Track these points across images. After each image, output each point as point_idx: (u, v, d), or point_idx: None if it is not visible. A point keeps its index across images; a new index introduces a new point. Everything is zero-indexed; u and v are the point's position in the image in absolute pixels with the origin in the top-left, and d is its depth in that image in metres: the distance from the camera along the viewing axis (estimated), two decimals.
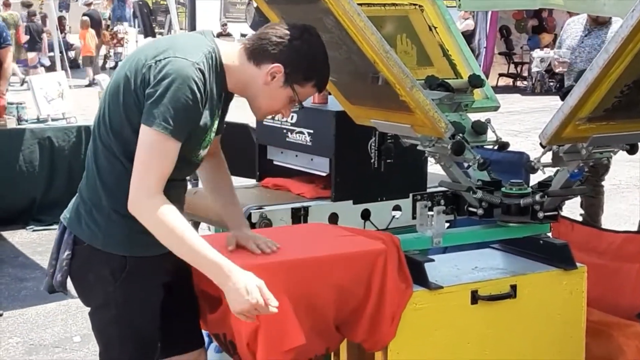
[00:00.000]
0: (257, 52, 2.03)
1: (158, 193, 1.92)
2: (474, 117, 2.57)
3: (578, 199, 2.63)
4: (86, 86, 14.39)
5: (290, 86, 2.05)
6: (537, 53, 14.95)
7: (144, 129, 1.93)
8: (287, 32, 2.02)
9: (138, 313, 2.07)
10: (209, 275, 1.93)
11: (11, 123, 5.87)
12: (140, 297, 2.06)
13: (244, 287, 1.88)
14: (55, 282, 2.08)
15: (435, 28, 2.73)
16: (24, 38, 13.72)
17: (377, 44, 2.13)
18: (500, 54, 16.21)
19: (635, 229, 4.68)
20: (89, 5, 18.60)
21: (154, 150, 1.92)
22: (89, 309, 2.12)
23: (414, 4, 2.76)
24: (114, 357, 2.11)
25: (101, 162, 2.04)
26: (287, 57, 2.02)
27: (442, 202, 2.35)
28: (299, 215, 2.81)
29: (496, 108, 2.71)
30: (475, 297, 2.27)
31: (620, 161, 3.09)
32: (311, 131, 2.89)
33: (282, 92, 2.06)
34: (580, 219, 4.45)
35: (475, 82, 2.57)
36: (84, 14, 17.22)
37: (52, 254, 2.12)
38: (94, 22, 17.24)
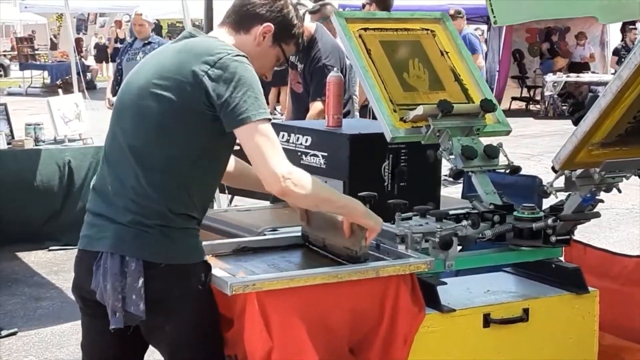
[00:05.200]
0: (244, 20, 2.19)
1: (292, 167, 2.04)
2: (485, 141, 2.60)
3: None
4: None
5: (279, 45, 2.21)
6: (550, 77, 14.97)
7: (245, 128, 2.00)
8: None
9: (216, 312, 2.14)
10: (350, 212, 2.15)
11: (29, 143, 5.94)
12: (212, 298, 2.13)
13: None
14: (138, 311, 2.01)
15: (447, 53, 2.77)
16: None
17: None
18: (513, 77, 16.25)
19: None
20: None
21: (267, 138, 2.02)
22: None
23: (426, 29, 2.79)
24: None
25: (160, 187, 2.04)
26: (274, 17, 2.19)
27: None
28: None
29: (507, 132, 2.73)
30: (487, 321, 2.27)
31: (633, 185, 3.10)
32: (325, 154, 2.91)
33: (270, 52, 2.22)
34: (592, 243, 4.43)
35: (487, 106, 2.60)
36: None
37: (116, 288, 2.00)
38: None
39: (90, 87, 16.32)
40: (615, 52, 14.97)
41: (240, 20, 2.19)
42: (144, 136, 2.07)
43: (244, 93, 2.01)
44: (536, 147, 10.87)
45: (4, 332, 4.24)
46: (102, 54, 20.23)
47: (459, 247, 2.39)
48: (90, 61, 20.76)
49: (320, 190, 2.11)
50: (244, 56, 2.08)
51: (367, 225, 2.14)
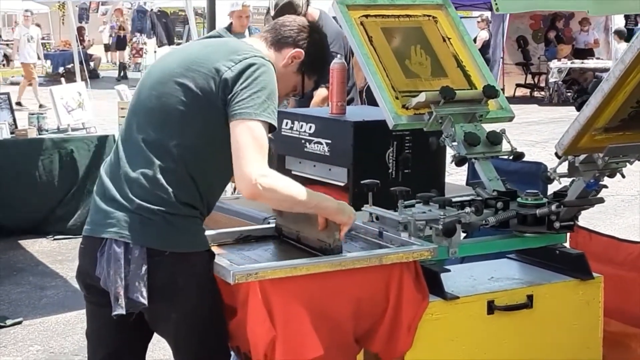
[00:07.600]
0: (278, 39, 2.22)
1: (268, 170, 2.03)
2: (488, 127, 2.58)
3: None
4: None
5: (302, 74, 2.24)
6: (554, 63, 14.92)
7: (239, 122, 2.02)
8: (307, 24, 2.25)
9: (220, 301, 2.15)
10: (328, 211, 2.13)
11: (32, 133, 5.94)
12: (216, 287, 2.13)
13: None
14: (140, 298, 2.01)
15: (449, 39, 2.75)
16: None
17: None
18: (517, 64, 16.18)
19: None
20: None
21: (256, 139, 2.02)
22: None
23: (428, 15, 2.77)
24: (213, 350, 2.15)
25: (170, 175, 2.05)
26: (307, 46, 2.22)
27: None
28: None
29: (511, 118, 2.71)
30: (491, 307, 2.27)
31: (638, 172, 3.09)
32: (329, 141, 2.90)
33: (292, 78, 2.25)
34: (597, 229, 4.43)
35: (490, 92, 2.58)
36: None
37: (119, 275, 2.01)
38: None
39: (93, 76, 16.31)
40: None
41: (276, 38, 2.23)
42: (162, 125, 2.09)
43: (255, 92, 2.04)
44: (541, 133, 10.84)
45: (9, 322, 4.25)
46: (121, 42, 20.17)
47: (463, 234, 2.39)
48: (93, 50, 20.73)
49: (292, 194, 2.08)
50: (270, 62, 2.11)
51: (339, 221, 2.14)
